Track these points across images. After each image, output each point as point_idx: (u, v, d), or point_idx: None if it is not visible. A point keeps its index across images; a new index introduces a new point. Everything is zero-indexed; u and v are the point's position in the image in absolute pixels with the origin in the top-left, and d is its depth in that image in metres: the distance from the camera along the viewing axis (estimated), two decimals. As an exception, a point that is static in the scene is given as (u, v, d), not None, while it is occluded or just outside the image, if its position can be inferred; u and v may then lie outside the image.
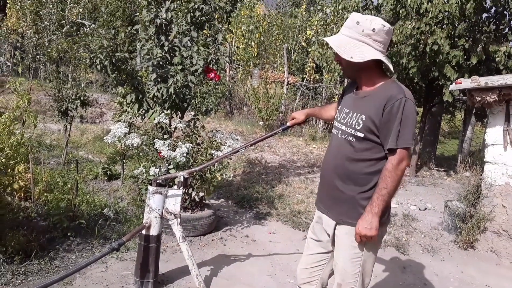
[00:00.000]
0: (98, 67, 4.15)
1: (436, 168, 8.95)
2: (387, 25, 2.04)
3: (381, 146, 2.05)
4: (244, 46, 13.25)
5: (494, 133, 4.68)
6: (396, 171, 1.99)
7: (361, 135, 2.06)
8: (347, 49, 2.04)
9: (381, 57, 2.03)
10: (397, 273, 4.00)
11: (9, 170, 3.62)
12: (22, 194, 4.31)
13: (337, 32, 2.31)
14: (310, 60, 12.46)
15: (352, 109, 2.15)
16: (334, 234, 2.22)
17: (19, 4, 7.40)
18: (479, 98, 4.60)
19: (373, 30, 2.02)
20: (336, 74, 9.92)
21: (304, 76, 12.91)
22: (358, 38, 2.04)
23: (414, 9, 7.03)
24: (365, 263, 2.15)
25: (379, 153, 2.06)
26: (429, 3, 6.86)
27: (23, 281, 3.16)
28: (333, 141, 2.29)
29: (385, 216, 2.14)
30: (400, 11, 7.32)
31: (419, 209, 5.94)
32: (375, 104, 2.02)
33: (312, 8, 13.56)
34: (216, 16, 4.59)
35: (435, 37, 6.90)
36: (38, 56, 6.87)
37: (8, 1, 13.68)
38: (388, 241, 4.62)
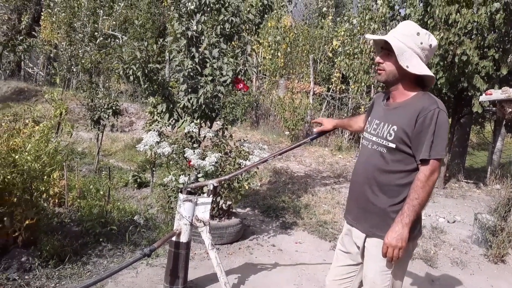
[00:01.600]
0: (131, 77, 4.28)
1: (465, 180, 8.78)
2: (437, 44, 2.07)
3: (413, 158, 2.05)
4: (270, 57, 13.35)
5: (526, 145, 4.59)
6: (428, 182, 1.99)
7: (393, 145, 2.07)
8: (405, 57, 2.05)
9: (431, 73, 2.07)
10: (426, 286, 3.95)
11: (46, 176, 3.77)
12: (57, 200, 4.47)
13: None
14: (336, 70, 12.46)
15: (383, 120, 2.16)
16: (363, 246, 2.23)
17: (54, 16, 7.67)
18: (510, 110, 4.53)
19: (430, 46, 2.07)
20: (363, 84, 9.89)
21: (330, 86, 12.92)
22: (414, 49, 2.06)
23: (443, 20, 6.98)
24: (395, 276, 2.15)
25: (411, 165, 2.07)
26: (458, 14, 6.80)
27: (56, 285, 3.27)
28: (363, 152, 2.30)
29: (416, 229, 2.14)
30: (428, 22, 7.27)
31: (448, 222, 5.85)
32: (408, 114, 2.04)
33: (338, 18, 13.59)
34: (246, 28, 4.68)
35: (464, 47, 6.83)
36: (72, 67, 7.10)
37: (42, 13, 14.20)
38: (416, 254, 4.57)
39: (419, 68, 2.05)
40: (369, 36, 2.23)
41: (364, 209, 2.20)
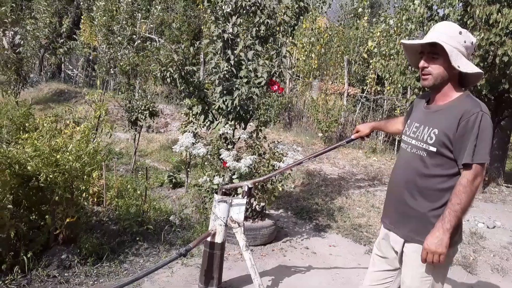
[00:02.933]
0: (168, 79, 4.37)
1: (506, 185, 8.48)
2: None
3: (454, 162, 2.01)
4: (304, 58, 13.31)
5: None
6: (471, 187, 1.94)
7: (434, 149, 2.03)
8: (454, 57, 2.01)
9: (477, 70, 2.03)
10: (464, 293, 3.85)
11: (86, 176, 3.88)
12: (95, 199, 4.60)
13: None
14: (372, 71, 12.29)
15: (424, 123, 2.12)
16: (402, 252, 2.18)
17: (96, 20, 7.89)
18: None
19: (472, 43, 2.04)
20: (399, 85, 9.69)
21: (364, 87, 12.75)
22: (459, 48, 2.02)
23: (483, 20, 6.78)
24: (434, 283, 2.10)
25: (452, 169, 2.02)
26: (499, 14, 6.59)
27: (95, 282, 3.36)
28: (402, 155, 2.26)
29: (457, 234, 2.08)
30: (468, 22, 7.08)
31: (487, 227, 5.67)
32: (450, 118, 1.99)
33: (374, 19, 13.42)
34: (280, 29, 4.69)
35: (505, 48, 6.60)
36: (111, 69, 7.28)
37: (82, 17, 14.64)
38: (454, 259, 4.44)
39: (468, 66, 2.02)
40: (410, 42, 2.16)
41: (403, 214, 2.16)
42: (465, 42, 2.02)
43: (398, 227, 2.20)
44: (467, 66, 2.02)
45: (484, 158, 1.94)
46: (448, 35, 2.04)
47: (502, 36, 6.65)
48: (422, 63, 2.10)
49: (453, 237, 2.00)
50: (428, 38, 2.08)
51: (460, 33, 2.03)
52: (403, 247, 2.17)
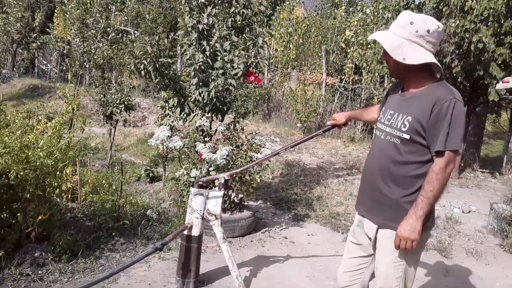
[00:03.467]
0: (142, 72, 4.29)
1: (481, 170, 8.65)
2: (441, 25, 2.01)
3: (427, 149, 2.01)
4: (282, 49, 13.27)
5: (543, 134, 4.50)
6: (443, 174, 1.95)
7: (407, 136, 2.03)
8: (400, 50, 2.00)
9: (434, 59, 2.01)
10: (440, 277, 3.91)
11: (58, 172, 3.80)
12: (69, 195, 4.51)
13: (378, 30, 2.26)
14: (349, 61, 12.33)
15: (398, 110, 2.12)
16: (376, 238, 2.20)
17: (68, 13, 7.71)
18: (527, 98, 4.44)
19: (428, 31, 1.99)
20: (376, 74, 9.76)
21: (342, 77, 12.80)
22: (411, 39, 2.01)
23: (458, 7, 6.84)
24: (407, 268, 2.13)
25: (425, 156, 2.03)
26: (474, 1, 6.66)
27: (70, 279, 3.31)
28: (376, 143, 2.26)
29: (429, 220, 2.10)
30: (443, 9, 7.14)
31: (463, 212, 5.77)
32: (423, 105, 2.00)
33: (351, 8, 13.44)
34: (257, 20, 4.64)
35: (480, 35, 6.69)
36: (84, 63, 7.14)
37: (55, 10, 14.30)
38: (430, 244, 4.52)
39: (417, 58, 1.98)
40: (374, 37, 2.16)
41: (377, 201, 2.17)
42: (417, 31, 1.98)
43: (372, 214, 2.21)
44: (416, 58, 1.98)
45: (456, 145, 1.95)
46: (400, 25, 2.04)
47: (477, 23, 6.73)
48: (384, 56, 2.11)
49: (425, 223, 2.02)
50: (375, 34, 2.11)
51: (412, 23, 1.99)
52: (376, 233, 2.18)
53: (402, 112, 2.08)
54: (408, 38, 2.01)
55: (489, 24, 6.82)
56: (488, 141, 14.08)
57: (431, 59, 1.99)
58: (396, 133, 2.08)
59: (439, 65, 2.01)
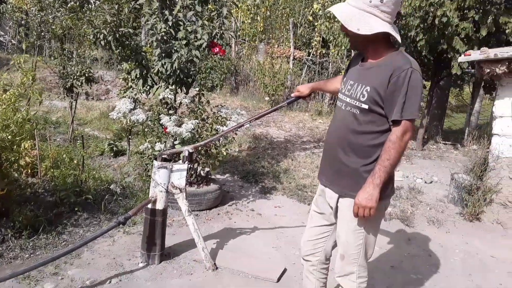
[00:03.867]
0: (102, 42, 4.13)
1: (443, 142, 8.90)
2: None
3: (385, 118, 2.01)
4: (249, 21, 13.08)
5: (502, 105, 4.62)
6: (400, 143, 1.96)
7: (366, 106, 2.03)
8: (354, 21, 1.98)
9: (389, 29, 1.98)
10: (402, 245, 4.02)
11: (15, 146, 3.65)
12: (29, 171, 4.35)
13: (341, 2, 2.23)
14: (317, 34, 12.29)
15: (357, 80, 2.11)
16: (337, 207, 2.22)
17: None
18: (488, 70, 4.53)
19: (381, 1, 1.95)
20: (343, 48, 9.80)
21: (310, 50, 12.76)
22: (366, 9, 1.98)
23: (423, -20, 6.87)
24: (367, 235, 2.16)
25: (383, 126, 2.03)
26: (439, -26, 6.70)
27: (31, 255, 3.22)
28: (337, 113, 2.25)
29: (389, 188, 2.13)
30: (409, -17, 7.16)
31: (425, 182, 5.94)
32: (381, 75, 1.98)
33: (318, -20, 13.29)
34: (221, -11, 4.51)
35: (444, 9, 6.76)
36: (42, 33, 6.83)
37: (11, -22, 13.55)
38: (393, 214, 4.64)
39: (371, 28, 1.96)
40: (330, 9, 2.13)
41: (337, 170, 2.18)
42: (370, 1, 1.96)
43: (333, 183, 2.22)
44: (370, 28, 1.96)
45: (413, 114, 1.95)
46: None
47: (442, -3, 6.79)
48: (342, 28, 2.08)
49: (384, 191, 2.04)
50: (333, 6, 2.08)
51: None
52: (337, 202, 2.20)
53: (361, 82, 2.07)
54: (363, 8, 1.98)
55: (453, -2, 6.88)
56: (451, 115, 14.50)
57: (386, 28, 1.97)
58: (356, 103, 2.07)
59: (395, 34, 2.00)
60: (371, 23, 1.97)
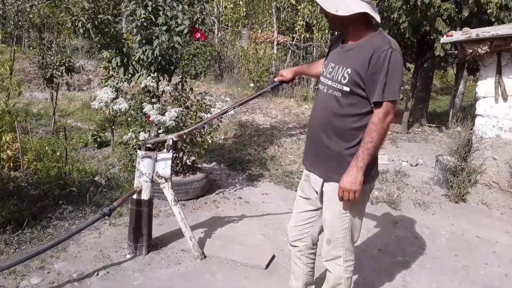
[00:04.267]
0: (81, 30, 4.02)
1: (428, 124, 8.96)
2: None
3: (367, 101, 2.00)
4: (232, 6, 12.93)
5: (485, 85, 4.65)
6: (382, 124, 1.95)
7: (347, 89, 2.01)
8: (332, 2, 1.96)
9: (367, 9, 1.95)
10: (389, 227, 4.05)
11: (-5, 139, 3.57)
12: (11, 164, 4.28)
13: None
14: (300, 18, 12.21)
15: (338, 63, 2.09)
16: (322, 191, 2.21)
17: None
18: (471, 50, 4.53)
19: None
20: (327, 32, 9.76)
21: (294, 35, 12.69)
22: None
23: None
24: (353, 218, 2.16)
25: (365, 108, 2.01)
26: (420, -45, 6.66)
27: (16, 250, 3.16)
28: (319, 97, 2.24)
29: (373, 170, 2.13)
30: (391, -36, 7.12)
31: (411, 165, 5.97)
32: (361, 56, 1.96)
33: (300, -36, 13.18)
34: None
35: (426, -11, 6.74)
36: (20, 23, 6.66)
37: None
38: (379, 197, 4.66)
39: (350, 8, 1.94)
40: None
41: (321, 154, 2.17)
42: None
43: (317, 168, 2.21)
44: (348, 8, 1.94)
45: (394, 95, 1.94)
46: None
47: (423, -22, 6.76)
48: (321, 10, 2.06)
49: (368, 173, 2.04)
50: None
51: None
52: (322, 186, 2.20)
53: (342, 65, 2.06)
54: None
55: (435, -22, 6.86)
56: (436, 97, 14.59)
57: (364, 8, 1.94)
58: (337, 86, 2.05)
59: (374, 14, 1.97)
60: (349, 3, 1.94)
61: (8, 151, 4.18)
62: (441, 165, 5.11)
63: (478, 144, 4.72)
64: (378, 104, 1.95)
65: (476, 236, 3.99)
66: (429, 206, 4.63)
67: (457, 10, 6.98)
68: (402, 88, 2.05)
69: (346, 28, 2.08)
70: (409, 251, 3.61)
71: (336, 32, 2.26)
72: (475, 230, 4.10)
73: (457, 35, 4.58)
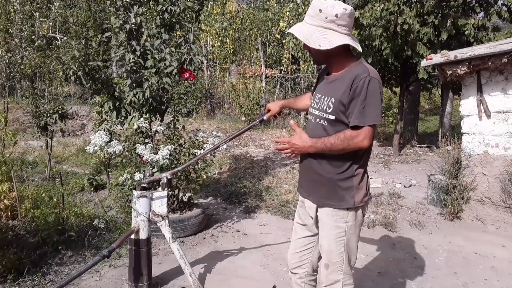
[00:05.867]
0: (72, 78, 4.13)
1: (419, 145, 9.08)
2: (349, 8, 2.08)
3: None
4: (219, 44, 13.24)
5: (468, 104, 4.78)
6: (350, 142, 2.04)
7: (332, 117, 2.11)
8: (314, 38, 2.07)
9: (348, 40, 2.07)
10: (387, 250, 4.08)
11: (-8, 190, 3.62)
12: (9, 213, 4.30)
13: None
14: (286, 51, 12.50)
15: (324, 93, 2.20)
16: (316, 217, 2.28)
17: (-14, 23, 7.30)
18: (450, 72, 4.69)
19: (336, 15, 2.05)
20: (312, 63, 9.97)
21: (281, 68, 12.96)
22: (323, 26, 2.08)
23: (381, -9, 7.11)
24: (349, 242, 2.21)
25: None
26: (395, -17, 6.95)
27: (18, 299, 3.17)
28: (308, 126, 2.33)
29: (366, 196, 2.21)
30: (367, -6, 7.40)
31: (404, 186, 6.05)
32: (343, 86, 2.07)
33: (282, -1, 13.64)
34: (186, 16, 4.59)
35: (404, 16, 7.00)
36: (12, 74, 6.79)
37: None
38: (376, 220, 4.70)
39: (331, 42, 2.06)
40: (289, 30, 2.24)
41: (313, 181, 2.25)
42: (326, 18, 2.06)
43: (311, 194, 2.29)
44: (330, 42, 2.05)
45: (374, 120, 2.03)
46: (310, 15, 2.12)
47: (401, 5, 7.04)
48: (304, 46, 2.19)
49: (361, 197, 2.14)
50: (291, 28, 2.18)
51: (320, 10, 2.07)
52: (316, 212, 2.27)
53: (327, 95, 2.17)
54: (320, 25, 2.08)
55: (412, 5, 7.14)
56: (425, 118, 14.78)
57: (346, 40, 2.07)
58: (323, 115, 2.16)
59: (354, 44, 2.10)
60: (331, 38, 2.06)
61: (5, 201, 4.21)
62: (433, 184, 5.19)
63: (467, 161, 4.82)
64: (356, 128, 2.04)
65: (473, 252, 4.03)
66: (425, 225, 4.67)
67: (436, 33, 7.22)
68: (382, 113, 2.14)
69: (329, 60, 2.20)
70: (408, 272, 3.64)
71: (323, 65, 2.39)
72: (472, 246, 4.15)
73: (436, 58, 4.75)
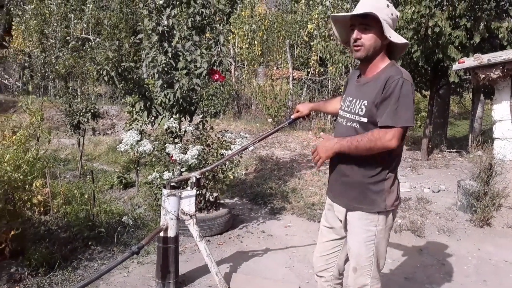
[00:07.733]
0: (105, 78, 4.25)
1: (448, 150, 8.91)
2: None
3: None
4: (247, 46, 13.32)
5: (500, 109, 4.69)
6: (378, 142, 2.01)
7: (365, 120, 2.11)
8: (386, 28, 2.07)
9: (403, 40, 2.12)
10: (414, 255, 4.03)
11: (27, 185, 3.73)
12: (42, 209, 4.43)
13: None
14: (314, 53, 12.48)
15: (355, 96, 2.20)
16: (346, 220, 2.27)
17: (23, 25, 7.54)
18: (483, 76, 4.61)
19: (397, 16, 2.14)
20: (340, 65, 9.92)
21: (309, 70, 12.94)
22: (387, 20, 2.09)
23: (413, -7, 7.02)
24: (378, 246, 2.20)
25: None
26: (427, -14, 6.85)
27: (48, 293, 3.27)
28: (338, 129, 2.33)
29: (397, 200, 2.20)
30: (400, -4, 7.31)
31: (433, 192, 5.95)
32: (376, 88, 2.07)
33: (311, 2, 13.57)
34: (217, 18, 4.66)
35: (435, 19, 6.88)
36: (46, 74, 7.02)
37: (13, 23, 13.92)
38: (403, 225, 4.65)
39: (398, 37, 2.10)
40: (341, 14, 2.21)
41: (344, 184, 2.25)
42: (392, 14, 2.12)
43: (340, 198, 2.29)
44: (396, 37, 2.10)
45: (407, 122, 2.01)
46: (377, 7, 2.09)
47: (432, 8, 6.92)
48: (355, 35, 2.12)
49: (391, 201, 2.14)
50: (359, 10, 2.11)
51: (388, 6, 2.12)
52: (346, 215, 2.26)
53: (359, 98, 2.17)
54: (385, 19, 2.09)
55: (444, 8, 7.02)
56: (455, 122, 14.50)
57: (402, 40, 2.11)
58: (355, 117, 2.16)
59: (408, 44, 2.12)
60: (394, 33, 2.11)
61: (39, 196, 4.35)
62: (463, 190, 5.09)
63: (500, 167, 4.71)
64: (386, 128, 2.01)
65: (503, 260, 3.94)
66: (454, 232, 4.59)
67: (468, 36, 7.08)
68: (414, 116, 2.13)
69: (374, 57, 2.16)
70: (436, 278, 3.59)
71: (351, 67, 2.40)
72: (502, 254, 4.06)
73: (469, 62, 4.68)
